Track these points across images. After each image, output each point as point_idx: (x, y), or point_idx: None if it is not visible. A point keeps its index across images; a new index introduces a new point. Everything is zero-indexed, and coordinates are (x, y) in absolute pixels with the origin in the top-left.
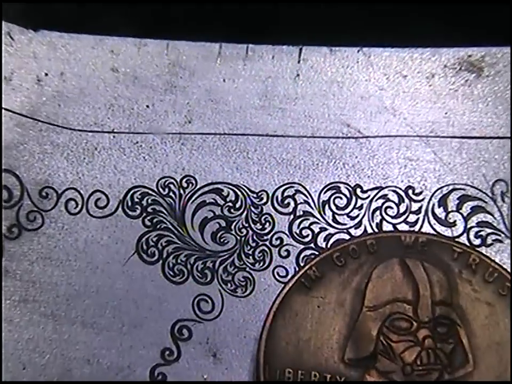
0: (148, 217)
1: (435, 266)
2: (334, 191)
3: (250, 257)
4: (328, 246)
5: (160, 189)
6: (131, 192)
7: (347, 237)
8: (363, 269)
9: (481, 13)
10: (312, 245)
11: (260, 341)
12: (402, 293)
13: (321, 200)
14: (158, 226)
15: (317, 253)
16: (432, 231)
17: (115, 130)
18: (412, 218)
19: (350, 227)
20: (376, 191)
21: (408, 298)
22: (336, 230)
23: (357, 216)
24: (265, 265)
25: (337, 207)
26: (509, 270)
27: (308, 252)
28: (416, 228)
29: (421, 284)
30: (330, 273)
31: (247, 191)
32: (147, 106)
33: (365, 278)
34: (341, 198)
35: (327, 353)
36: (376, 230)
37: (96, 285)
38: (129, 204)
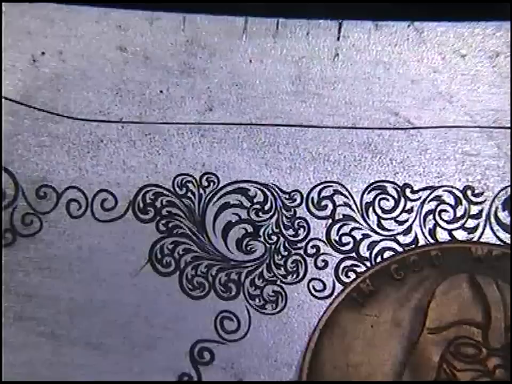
0: (163, 221)
1: (510, 284)
2: (379, 191)
3: (282, 268)
4: (372, 255)
5: (177, 189)
6: (143, 192)
7: (394, 245)
8: (425, 284)
9: None
10: (353, 254)
11: (303, 364)
12: (471, 314)
13: (364, 202)
14: (175, 232)
15: (358, 264)
16: (494, 239)
17: (123, 120)
18: (471, 223)
19: (398, 233)
20: (428, 192)
21: (477, 320)
22: (382, 237)
23: (406, 220)
24: (299, 277)
25: (383, 210)
26: None
27: (349, 263)
28: (476, 236)
29: (493, 305)
30: (387, 288)
31: (278, 191)
32: (160, 91)
33: (427, 295)
34: (387, 200)
35: (381, 380)
36: (428, 237)
37: (103, 300)
38: (141, 205)
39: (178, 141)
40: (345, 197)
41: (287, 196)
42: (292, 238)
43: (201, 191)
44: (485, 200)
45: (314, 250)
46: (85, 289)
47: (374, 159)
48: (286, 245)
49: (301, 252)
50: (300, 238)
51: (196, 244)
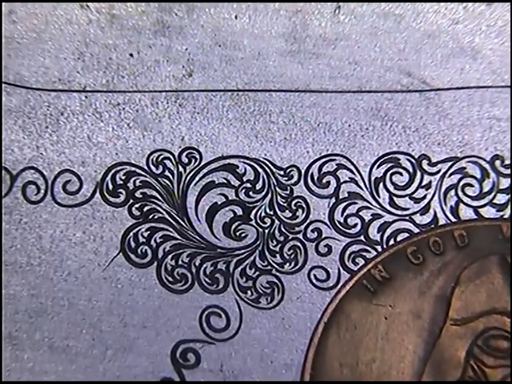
0: (136, 205)
1: None
2: (391, 164)
3: (278, 255)
4: (384, 238)
5: (152, 167)
6: (112, 171)
7: (410, 226)
8: (448, 268)
9: None
10: (362, 237)
11: (305, 364)
12: (502, 302)
13: (373, 178)
14: (151, 217)
15: (367, 248)
16: None
17: (87, 89)
18: (501, 199)
19: (414, 213)
20: (449, 164)
21: (509, 309)
22: (395, 217)
23: (424, 197)
24: (298, 266)
25: (396, 187)
26: None
27: (356, 247)
28: (506, 213)
29: None
30: (403, 274)
31: (271, 167)
32: (130, 55)
33: (450, 281)
34: (400, 174)
35: (396, 380)
36: (450, 216)
37: (69, 297)
38: (110, 187)
39: (152, 112)
40: (351, 171)
41: (282, 173)
42: (288, 221)
43: (181, 169)
44: None
45: (315, 235)
46: (48, 285)
47: (384, 127)
48: (282, 228)
49: (300, 236)
50: (298, 220)
51: (176, 230)
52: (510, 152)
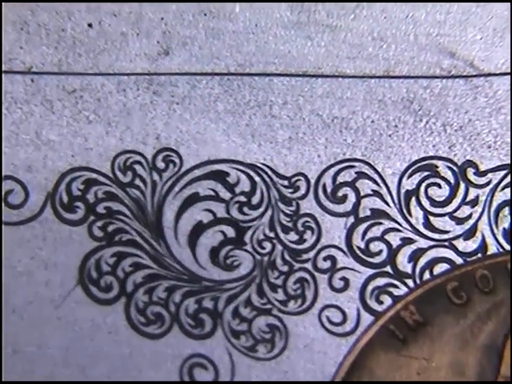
0: (99, 223)
1: None
2: (426, 173)
3: (280, 290)
4: (417, 270)
5: (118, 174)
6: (67, 179)
7: (451, 254)
8: (499, 311)
9: None
10: (388, 268)
11: None
12: None
13: (403, 191)
14: (117, 239)
15: (395, 283)
16: None
17: (34, 70)
18: None
19: (456, 237)
20: (502, 173)
21: None
22: (431, 243)
23: (469, 217)
24: (306, 304)
25: (433, 202)
26: None
27: (381, 282)
28: None
29: None
30: (442, 317)
31: (272, 175)
32: (89, 25)
33: (502, 328)
34: (438, 186)
35: None
36: (503, 242)
37: (13, 342)
38: (65, 199)
39: (119, 101)
40: (375, 182)
41: (286, 183)
42: (294, 246)
43: (156, 176)
44: None
45: (328, 264)
46: None
47: (418, 124)
48: (286, 256)
49: (309, 266)
50: (306, 245)
51: (149, 256)
52: None
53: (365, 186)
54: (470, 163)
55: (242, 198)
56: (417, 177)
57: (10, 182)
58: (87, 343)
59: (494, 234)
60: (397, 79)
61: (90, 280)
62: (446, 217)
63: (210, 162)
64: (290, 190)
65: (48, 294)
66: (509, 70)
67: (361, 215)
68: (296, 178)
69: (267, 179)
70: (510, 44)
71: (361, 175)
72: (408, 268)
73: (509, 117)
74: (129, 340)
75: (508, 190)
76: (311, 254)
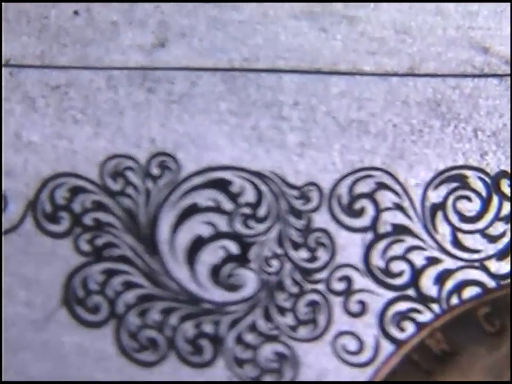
0: (86, 236)
1: None
2: (454, 184)
3: (288, 314)
4: (444, 294)
5: (108, 180)
6: (50, 186)
7: (482, 276)
8: None
9: None
10: (411, 292)
11: None
12: None
13: (428, 204)
14: (106, 254)
15: (420, 308)
16: None
17: (12, 62)
18: None
19: (488, 257)
20: None
21: None
22: (460, 263)
23: (503, 235)
24: (318, 330)
25: (462, 217)
26: None
27: (403, 306)
28: None
29: None
30: (472, 348)
31: (281, 184)
32: (75, 12)
33: None
34: (468, 199)
35: None
36: None
37: None
38: (48, 209)
39: (109, 99)
40: (396, 194)
41: (296, 193)
42: (305, 265)
43: (150, 184)
44: None
45: (343, 285)
46: None
47: (446, 128)
48: (296, 276)
49: (321, 287)
50: (318, 264)
51: (142, 273)
52: None
53: (385, 198)
54: (504, 173)
55: (247, 210)
56: (444, 189)
57: None
58: (73, 371)
59: None
60: (422, 78)
61: (76, 300)
62: (477, 235)
63: (211, 169)
64: (301, 202)
65: (29, 315)
66: None
67: (381, 230)
68: (307, 188)
69: (275, 189)
70: None
71: (381, 185)
72: (433, 291)
73: None
74: (120, 367)
75: None
76: (324, 274)
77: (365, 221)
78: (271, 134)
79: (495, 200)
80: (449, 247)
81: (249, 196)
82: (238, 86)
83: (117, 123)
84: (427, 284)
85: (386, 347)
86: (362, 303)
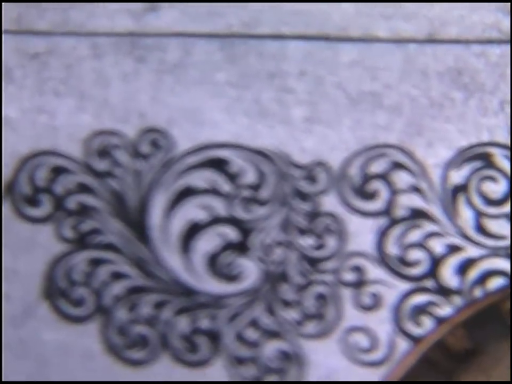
0: (69, 222)
1: None
2: (478, 164)
3: (294, 309)
4: (466, 285)
5: (93, 159)
6: (29, 165)
7: (507, 266)
8: None
9: None
10: (430, 282)
11: None
12: None
13: (449, 186)
14: (92, 241)
15: (438, 302)
16: None
17: None
18: None
19: None
20: None
21: None
22: (484, 251)
23: None
24: (326, 326)
25: (486, 201)
26: None
27: (421, 299)
28: None
29: None
30: (497, 345)
31: (285, 163)
32: None
33: None
34: (494, 180)
35: None
36: None
37: None
38: (27, 191)
39: (94, 69)
40: (413, 175)
41: (302, 174)
42: (311, 253)
43: (140, 164)
44: None
45: (355, 276)
46: None
47: (469, 101)
48: (301, 265)
49: (330, 278)
50: (326, 252)
51: (131, 263)
52: None
53: (401, 179)
54: None
55: (247, 193)
56: (466, 169)
57: None
58: (55, 371)
59: None
60: (442, 45)
61: (59, 293)
62: (503, 220)
63: (208, 147)
64: (308, 183)
65: (8, 310)
66: None
67: (396, 215)
68: (315, 168)
69: (278, 169)
70: None
71: (396, 165)
72: (454, 283)
73: None
74: (107, 367)
75: None
76: (333, 263)
77: (378, 204)
78: (274, 108)
79: None
80: (471, 233)
81: (250, 176)
82: (237, 54)
83: (103, 96)
84: (447, 274)
85: (402, 345)
86: (375, 295)
